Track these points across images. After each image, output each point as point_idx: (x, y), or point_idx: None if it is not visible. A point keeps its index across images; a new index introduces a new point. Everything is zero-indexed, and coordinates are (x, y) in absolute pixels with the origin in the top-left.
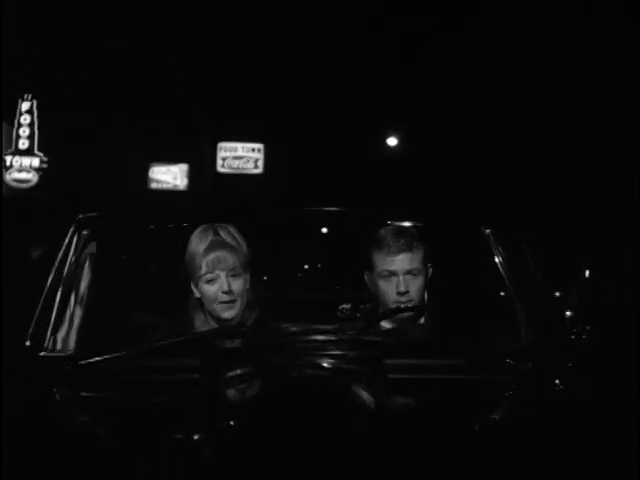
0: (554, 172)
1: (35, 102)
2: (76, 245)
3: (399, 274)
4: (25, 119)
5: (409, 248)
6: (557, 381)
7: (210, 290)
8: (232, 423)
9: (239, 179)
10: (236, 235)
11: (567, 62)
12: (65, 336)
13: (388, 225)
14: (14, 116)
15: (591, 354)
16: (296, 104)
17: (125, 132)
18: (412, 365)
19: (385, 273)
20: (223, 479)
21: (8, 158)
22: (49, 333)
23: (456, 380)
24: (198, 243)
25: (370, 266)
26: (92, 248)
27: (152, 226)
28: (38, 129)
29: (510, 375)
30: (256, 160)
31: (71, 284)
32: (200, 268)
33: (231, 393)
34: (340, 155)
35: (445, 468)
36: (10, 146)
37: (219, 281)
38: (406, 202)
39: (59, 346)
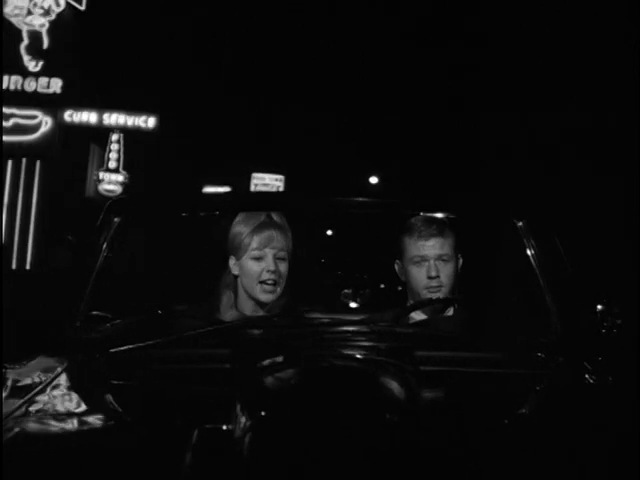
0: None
1: (122, 135)
2: (107, 230)
3: (430, 259)
4: (114, 147)
5: (440, 233)
6: (587, 375)
7: (255, 267)
8: (263, 414)
9: None
10: (285, 220)
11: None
12: (94, 322)
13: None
14: (106, 143)
15: (622, 348)
16: (305, 150)
17: (187, 161)
18: (443, 357)
19: (417, 259)
20: (252, 470)
21: (100, 174)
22: (79, 319)
23: (486, 373)
24: (248, 221)
25: (401, 254)
26: (123, 233)
27: (183, 214)
28: (123, 154)
29: (540, 368)
30: (278, 187)
31: (101, 270)
32: (249, 244)
33: (262, 383)
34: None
35: (476, 462)
36: (102, 165)
37: (266, 260)
38: (439, 194)
39: (89, 333)
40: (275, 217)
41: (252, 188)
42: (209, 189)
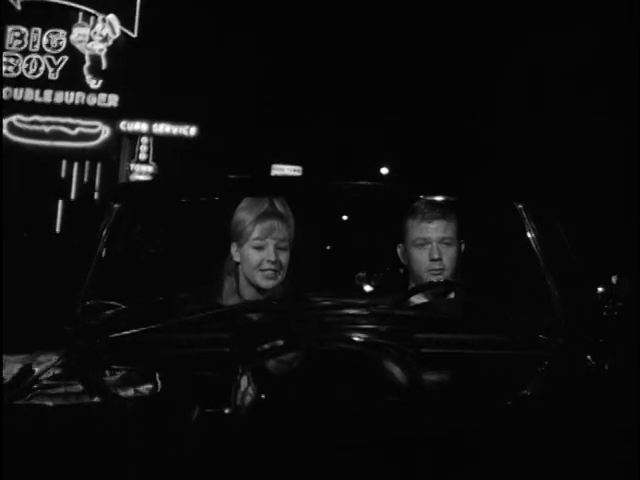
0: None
1: (140, 122)
2: (107, 217)
3: (433, 241)
4: (144, 140)
5: (443, 216)
6: (589, 357)
7: (255, 256)
8: (263, 397)
9: None
10: (288, 209)
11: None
12: (95, 308)
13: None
14: (137, 137)
15: (623, 330)
16: (320, 143)
17: (213, 153)
18: (444, 340)
19: (420, 241)
20: (253, 453)
21: (132, 165)
22: (80, 306)
23: (487, 355)
24: (251, 209)
25: (403, 237)
26: (124, 220)
27: (184, 199)
28: (153, 147)
29: (542, 350)
30: None
31: (101, 256)
32: (250, 233)
33: (262, 367)
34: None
35: (478, 443)
36: (133, 157)
37: (267, 249)
38: (439, 178)
39: (89, 319)
40: (278, 206)
41: None
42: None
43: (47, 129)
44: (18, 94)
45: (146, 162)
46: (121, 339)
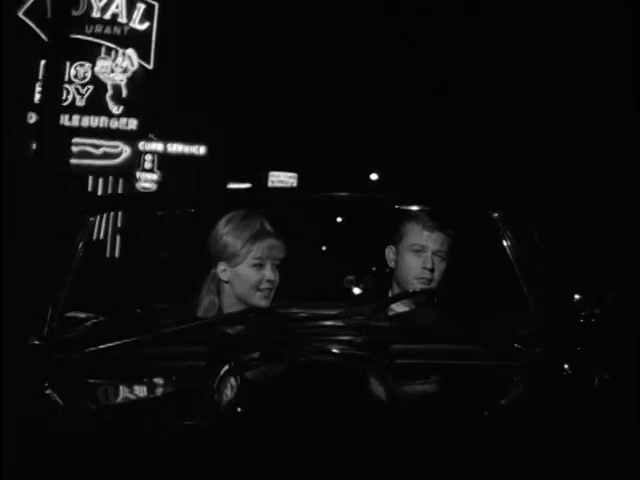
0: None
1: (156, 143)
2: (83, 230)
3: (429, 251)
4: (149, 151)
5: (443, 230)
6: (566, 366)
7: (254, 275)
8: (239, 410)
9: None
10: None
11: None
12: (72, 323)
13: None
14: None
15: (601, 338)
16: (314, 154)
17: (214, 161)
18: (420, 350)
19: (416, 247)
20: (231, 466)
21: (137, 173)
22: (53, 320)
23: (463, 365)
24: (243, 228)
25: (399, 240)
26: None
27: (159, 212)
28: (157, 157)
29: (519, 360)
30: (292, 183)
31: (76, 269)
32: (249, 252)
33: (238, 380)
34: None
35: (453, 454)
36: (139, 166)
37: (266, 268)
38: (414, 188)
39: (66, 332)
40: (268, 226)
41: (269, 184)
42: (232, 186)
43: (75, 149)
44: None
45: (151, 171)
46: (97, 353)
